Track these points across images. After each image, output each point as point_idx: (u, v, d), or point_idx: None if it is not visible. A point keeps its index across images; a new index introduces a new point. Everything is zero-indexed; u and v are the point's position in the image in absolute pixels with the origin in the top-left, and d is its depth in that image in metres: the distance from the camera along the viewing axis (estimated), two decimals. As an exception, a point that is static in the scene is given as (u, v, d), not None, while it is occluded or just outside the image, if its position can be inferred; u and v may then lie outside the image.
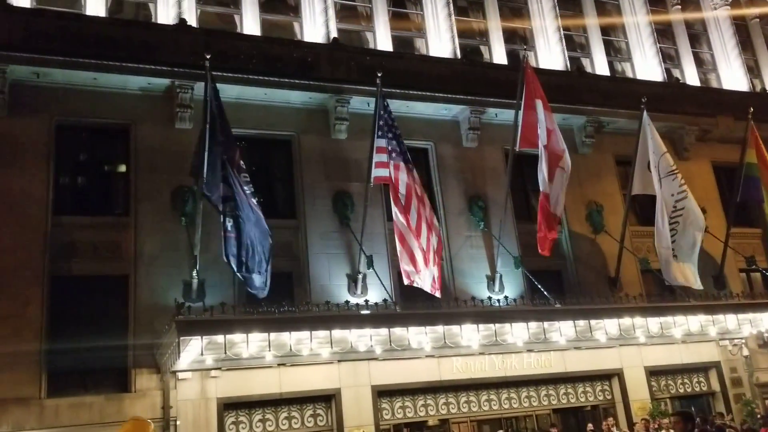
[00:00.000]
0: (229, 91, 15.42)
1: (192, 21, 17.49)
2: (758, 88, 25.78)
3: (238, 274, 13.81)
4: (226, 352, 13.36)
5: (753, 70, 26.36)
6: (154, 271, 15.23)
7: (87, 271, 15.03)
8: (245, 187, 13.93)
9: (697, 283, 18.44)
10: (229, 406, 14.96)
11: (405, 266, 15.68)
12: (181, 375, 14.52)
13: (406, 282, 15.83)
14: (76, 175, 16.21)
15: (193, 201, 15.35)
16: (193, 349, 13.23)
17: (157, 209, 15.68)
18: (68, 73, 15.54)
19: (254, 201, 14.04)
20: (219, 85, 14.55)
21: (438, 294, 15.80)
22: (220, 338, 12.97)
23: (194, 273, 14.78)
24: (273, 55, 17.39)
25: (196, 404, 14.59)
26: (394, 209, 15.74)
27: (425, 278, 15.65)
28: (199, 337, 12.73)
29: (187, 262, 15.09)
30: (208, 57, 14.32)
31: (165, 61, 16.06)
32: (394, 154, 15.76)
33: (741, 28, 26.55)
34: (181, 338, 12.48)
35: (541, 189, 17.01)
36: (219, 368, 14.65)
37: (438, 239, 15.97)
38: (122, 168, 16.34)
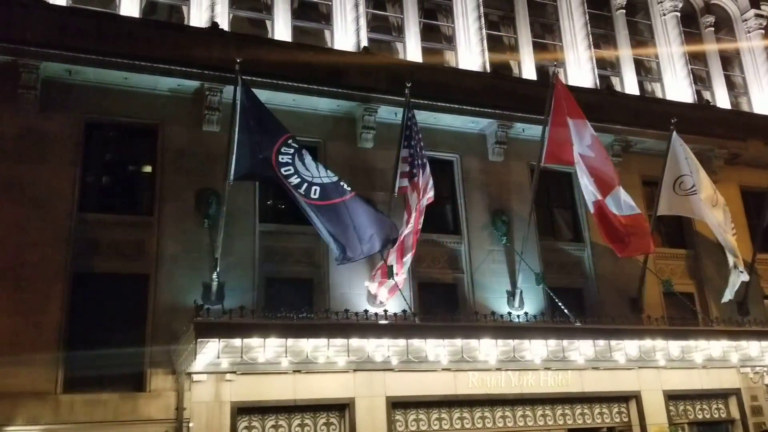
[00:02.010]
0: (258, 96, 15.41)
1: (224, 25, 17.64)
2: (790, 114, 25.40)
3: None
4: (242, 356, 13.37)
5: (785, 96, 25.99)
6: (175, 272, 15.29)
7: (109, 269, 15.11)
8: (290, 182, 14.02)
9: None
10: (242, 410, 14.92)
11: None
12: (196, 377, 14.51)
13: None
14: (103, 173, 16.32)
15: (216, 203, 15.42)
16: (209, 352, 13.26)
17: (180, 210, 15.77)
18: (100, 72, 15.71)
19: (301, 192, 14.06)
20: (248, 90, 14.65)
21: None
22: (237, 342, 12.97)
23: (214, 275, 14.81)
24: (303, 62, 17.44)
25: (210, 407, 14.56)
26: (405, 218, 15.81)
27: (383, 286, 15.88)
28: (217, 340, 12.74)
29: (207, 265, 15.12)
30: (238, 61, 14.42)
31: (196, 63, 16.16)
32: (413, 166, 15.77)
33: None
34: (199, 340, 12.49)
35: (594, 199, 16.86)
36: (234, 372, 14.62)
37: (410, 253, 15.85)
38: (148, 168, 16.45)
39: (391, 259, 15.49)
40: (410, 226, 15.51)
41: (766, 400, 19.69)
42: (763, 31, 25.81)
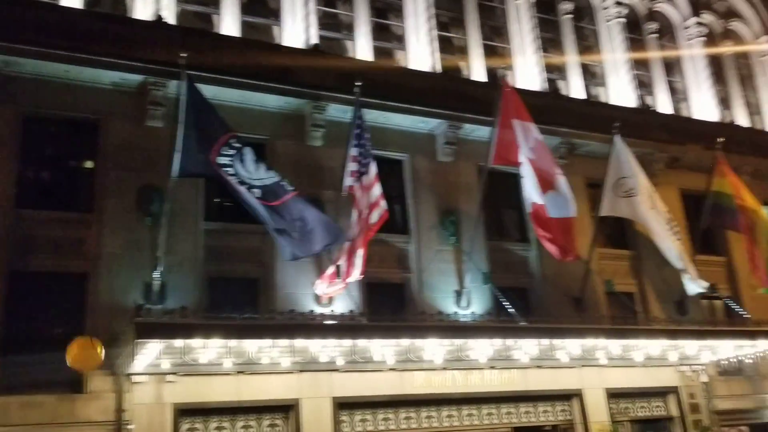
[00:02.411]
0: (204, 92, 15.14)
1: (170, 18, 17.28)
2: (728, 120, 26.23)
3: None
4: (183, 357, 13.13)
5: (724, 102, 26.85)
6: (115, 271, 14.89)
7: (46, 267, 14.64)
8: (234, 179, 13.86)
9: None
10: (184, 412, 14.61)
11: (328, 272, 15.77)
12: (136, 378, 14.16)
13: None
14: (42, 168, 15.77)
15: (159, 200, 15.06)
16: (149, 353, 12.98)
17: (122, 207, 15.37)
18: (39, 64, 15.19)
19: (243, 189, 13.89)
20: (194, 85, 14.38)
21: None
22: (178, 342, 12.76)
23: (156, 274, 14.50)
24: (251, 58, 17.22)
25: (150, 409, 14.23)
26: (354, 217, 15.76)
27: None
28: (157, 341, 12.48)
29: (149, 263, 14.77)
30: (184, 55, 14.14)
31: (140, 57, 15.77)
32: (360, 165, 15.75)
33: (714, 60, 27.00)
34: (139, 341, 12.23)
35: (533, 201, 17.06)
36: (175, 373, 14.32)
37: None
38: (89, 163, 15.99)
39: (342, 261, 15.45)
40: (359, 231, 15.50)
41: (704, 398, 20.24)
42: (703, 39, 26.55)
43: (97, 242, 15.04)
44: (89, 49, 15.34)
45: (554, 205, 17.10)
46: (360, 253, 15.47)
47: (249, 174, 13.83)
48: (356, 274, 15.51)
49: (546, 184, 17.09)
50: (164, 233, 14.30)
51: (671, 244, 19.18)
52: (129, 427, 13.94)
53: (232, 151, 13.85)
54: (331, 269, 15.72)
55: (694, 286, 19.47)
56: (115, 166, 15.65)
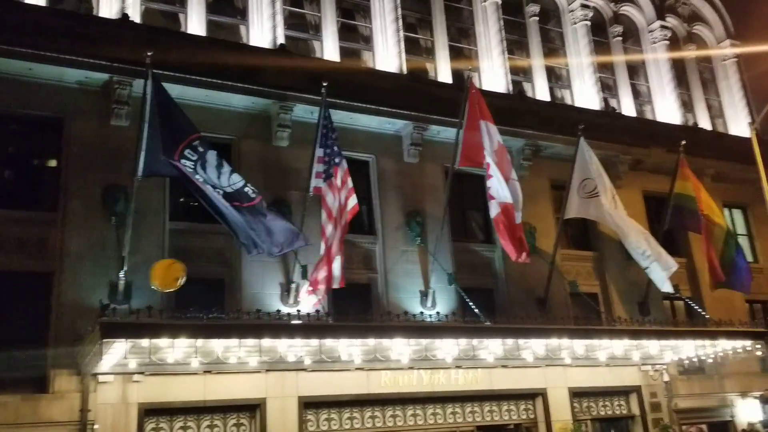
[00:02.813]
0: (169, 91, 15.01)
1: (135, 17, 17.18)
2: (690, 123, 26.76)
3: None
4: (150, 357, 13.08)
5: (687, 105, 27.37)
6: (80, 270, 14.80)
7: (10, 266, 14.48)
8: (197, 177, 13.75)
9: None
10: (150, 411, 14.57)
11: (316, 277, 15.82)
12: (102, 378, 14.10)
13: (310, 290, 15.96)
14: (5, 167, 15.59)
15: (125, 200, 14.97)
16: (116, 352, 12.93)
17: (86, 207, 15.25)
18: (2, 62, 15.01)
19: (210, 188, 13.78)
20: (159, 84, 14.30)
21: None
22: (145, 342, 12.68)
23: (121, 274, 14.43)
24: (217, 57, 17.17)
25: (116, 408, 14.17)
26: (324, 218, 15.81)
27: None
28: (123, 341, 12.42)
29: (114, 263, 14.69)
30: (149, 54, 14.05)
31: (105, 55, 15.66)
32: (331, 164, 15.78)
33: (678, 63, 27.50)
34: (104, 340, 12.14)
35: (502, 201, 17.20)
36: (142, 372, 14.28)
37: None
38: (53, 162, 15.84)
39: (322, 270, 15.58)
40: (333, 234, 15.57)
41: (665, 397, 20.66)
42: (667, 42, 27.05)
43: (61, 241, 14.92)
44: (53, 47, 15.20)
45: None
46: (338, 260, 15.62)
47: (212, 178, 13.75)
48: (337, 282, 15.70)
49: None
50: (129, 233, 14.19)
51: (640, 240, 19.24)
52: (93, 427, 13.87)
53: (194, 155, 13.73)
54: (313, 277, 15.79)
55: (665, 282, 19.44)
56: (80, 165, 15.51)
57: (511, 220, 17.16)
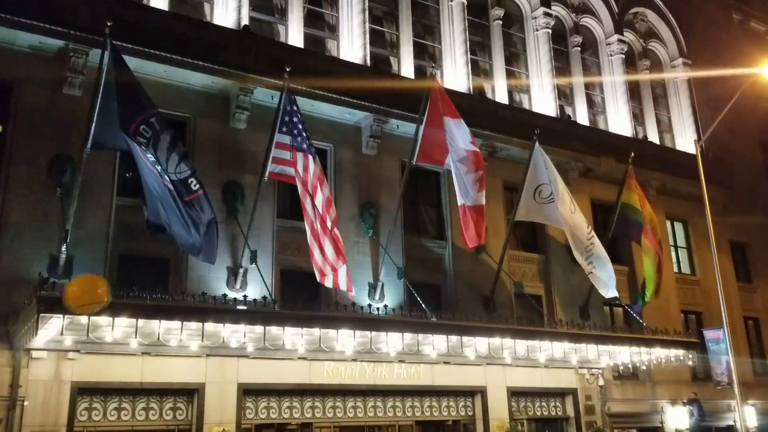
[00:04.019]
0: (126, 63, 14.70)
1: (96, -16, 16.61)
2: (640, 135, 27.39)
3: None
4: (88, 335, 12.72)
5: (638, 118, 28.00)
6: (20, 241, 14.28)
7: (-56, 232, 13.92)
8: (147, 158, 13.40)
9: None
10: (83, 390, 14.22)
11: (317, 265, 15.68)
12: (35, 354, 13.68)
13: (319, 280, 15.83)
14: (-56, 128, 14.99)
15: (72, 171, 14.52)
16: (52, 328, 12.52)
17: (31, 175, 14.73)
18: (-51, 21, 14.39)
19: (158, 169, 13.44)
20: (116, 56, 13.89)
21: (349, 291, 16.14)
22: (83, 319, 12.30)
23: (63, 248, 13.99)
24: (178, 33, 16.82)
25: (47, 386, 13.77)
26: (305, 207, 15.57)
27: (338, 276, 15.78)
28: (61, 316, 12.03)
29: (57, 236, 14.25)
30: (109, 24, 13.62)
31: (62, 21, 15.14)
32: (300, 153, 15.56)
33: (632, 77, 28.05)
34: (41, 315, 11.77)
35: (465, 203, 17.39)
36: (77, 350, 13.91)
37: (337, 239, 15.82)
38: (-2, 127, 15.26)
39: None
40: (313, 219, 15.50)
41: (599, 401, 21.18)
42: (623, 56, 27.59)
43: (1, 210, 14.36)
44: (8, 9, 14.60)
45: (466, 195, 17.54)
46: (344, 268, 15.74)
47: (162, 161, 13.39)
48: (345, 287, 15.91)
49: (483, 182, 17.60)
50: (74, 205, 13.79)
51: (586, 248, 19.56)
52: (23, 403, 13.43)
53: (149, 132, 13.38)
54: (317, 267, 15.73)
55: (610, 288, 19.82)
56: (27, 132, 14.97)
57: (474, 215, 17.31)
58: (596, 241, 19.68)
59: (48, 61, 15.47)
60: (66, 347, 13.71)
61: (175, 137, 13.85)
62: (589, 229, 19.71)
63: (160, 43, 16.20)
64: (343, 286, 15.99)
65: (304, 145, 15.66)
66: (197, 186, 13.79)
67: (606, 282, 19.54)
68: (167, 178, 13.45)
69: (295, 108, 15.97)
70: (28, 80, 15.25)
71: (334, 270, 15.61)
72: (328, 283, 15.89)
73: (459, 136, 17.46)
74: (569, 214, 19.30)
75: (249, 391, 16.00)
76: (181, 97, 16.95)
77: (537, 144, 19.75)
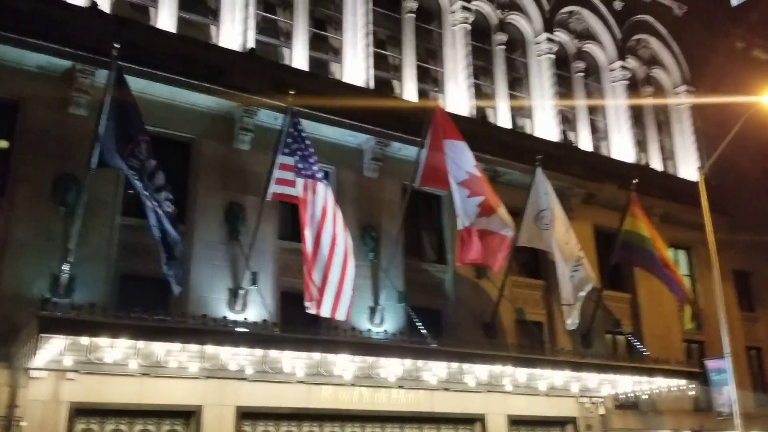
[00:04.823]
0: (133, 84, 14.71)
1: (104, 6, 16.77)
2: (643, 162, 27.43)
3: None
4: (88, 356, 12.68)
5: (641, 145, 28.05)
6: (23, 260, 14.27)
7: (-54, 250, 13.93)
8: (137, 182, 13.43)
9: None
10: (81, 411, 14.13)
11: (310, 289, 15.32)
12: (34, 374, 13.60)
13: (307, 305, 15.34)
14: (-49, 146, 15.05)
15: (76, 191, 14.53)
16: (53, 348, 12.49)
17: (35, 194, 14.76)
18: (-42, 39, 14.49)
19: (146, 194, 13.42)
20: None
21: (338, 315, 15.50)
22: (84, 340, 12.29)
23: (65, 267, 13.98)
24: (185, 55, 16.94)
25: (46, 406, 13.68)
26: (305, 229, 15.44)
27: (328, 303, 15.30)
28: (62, 337, 12.02)
29: (59, 255, 14.23)
30: (116, 46, 13.74)
31: (70, 42, 15.24)
32: (304, 174, 15.57)
33: (635, 104, 28.16)
34: (41, 335, 11.72)
35: (465, 225, 17.20)
36: (76, 371, 13.83)
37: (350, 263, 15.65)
38: (4, 144, 15.29)
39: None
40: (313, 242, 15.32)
41: (600, 430, 20.97)
42: (626, 82, 27.72)
43: (5, 228, 14.39)
44: (16, 29, 14.71)
45: (494, 223, 17.41)
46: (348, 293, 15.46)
47: (147, 191, 13.41)
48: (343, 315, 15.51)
49: (491, 202, 17.40)
50: (78, 225, 13.82)
51: (566, 281, 19.62)
52: (20, 423, 13.33)
53: (143, 156, 13.46)
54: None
55: (570, 320, 19.94)
56: (33, 151, 15.02)
57: (472, 242, 17.21)
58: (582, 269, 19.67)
59: (55, 80, 15.56)
60: (65, 367, 13.62)
61: (157, 168, 13.75)
62: (578, 258, 19.65)
63: (166, 65, 16.31)
64: (341, 315, 15.53)
65: (314, 168, 15.63)
66: (171, 207, 13.74)
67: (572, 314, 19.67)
68: (154, 201, 13.45)
69: (300, 128, 16.01)
70: (34, 99, 15.34)
71: (337, 297, 15.40)
72: (320, 310, 15.38)
73: (461, 158, 17.43)
74: (563, 244, 19.27)
75: (247, 414, 15.88)
76: (185, 118, 17.04)
77: (539, 169, 19.78)
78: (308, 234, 15.36)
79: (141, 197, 13.62)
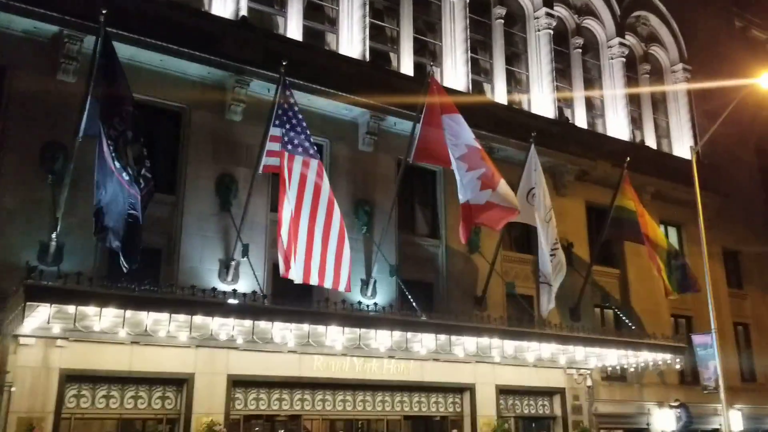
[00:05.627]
0: (122, 51, 14.55)
1: (94, -30, 16.52)
2: (638, 140, 27.37)
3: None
4: (76, 324, 12.70)
5: (636, 122, 27.97)
6: (9, 228, 14.22)
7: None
8: (111, 152, 13.06)
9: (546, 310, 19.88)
10: (72, 378, 14.20)
11: (281, 257, 15.24)
12: (23, 340, 13.62)
13: (282, 273, 15.25)
14: (-62, 112, 14.88)
15: (64, 159, 14.43)
16: (39, 316, 12.53)
17: (23, 162, 14.63)
18: (-58, 2, 14.29)
19: (116, 165, 13.00)
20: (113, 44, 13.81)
21: (340, 287, 15.58)
22: (70, 309, 12.29)
23: (53, 235, 13.95)
24: (175, 22, 16.73)
25: (36, 372, 13.73)
26: (282, 200, 15.33)
27: (300, 269, 15.12)
28: (48, 305, 12.03)
29: (47, 223, 14.19)
30: (104, 11, 13.53)
31: (57, 6, 15.04)
32: (290, 146, 15.44)
33: (632, 80, 28.06)
34: (28, 303, 11.74)
35: (467, 198, 17.10)
36: (66, 338, 13.86)
37: (339, 235, 15.58)
38: (-11, 112, 15.17)
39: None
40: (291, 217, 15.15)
41: (587, 401, 21.22)
42: (624, 59, 27.54)
43: (-8, 196, 14.32)
44: (2, -8, 14.53)
45: (496, 198, 17.34)
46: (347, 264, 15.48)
47: (123, 160, 13.04)
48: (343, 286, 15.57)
49: (491, 176, 17.30)
50: (66, 193, 13.73)
51: (547, 259, 19.65)
52: (11, 389, 13.40)
53: (122, 126, 13.20)
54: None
55: (546, 304, 20.05)
56: (20, 118, 14.86)
57: (472, 215, 17.19)
58: (559, 255, 19.79)
59: (42, 46, 15.38)
60: (54, 335, 13.66)
61: (138, 137, 13.43)
62: (555, 242, 19.75)
63: (156, 32, 16.11)
64: (342, 287, 15.63)
65: (305, 143, 15.50)
66: (144, 186, 13.30)
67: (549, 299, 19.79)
68: (124, 175, 13.05)
69: (291, 101, 15.85)
70: (21, 65, 15.16)
71: (337, 270, 15.41)
72: (292, 275, 15.19)
73: (458, 132, 17.30)
74: (543, 221, 19.31)
75: (238, 383, 15.99)
76: (176, 87, 16.87)
77: (533, 146, 19.73)
78: (286, 206, 15.16)
79: (107, 164, 13.15)
